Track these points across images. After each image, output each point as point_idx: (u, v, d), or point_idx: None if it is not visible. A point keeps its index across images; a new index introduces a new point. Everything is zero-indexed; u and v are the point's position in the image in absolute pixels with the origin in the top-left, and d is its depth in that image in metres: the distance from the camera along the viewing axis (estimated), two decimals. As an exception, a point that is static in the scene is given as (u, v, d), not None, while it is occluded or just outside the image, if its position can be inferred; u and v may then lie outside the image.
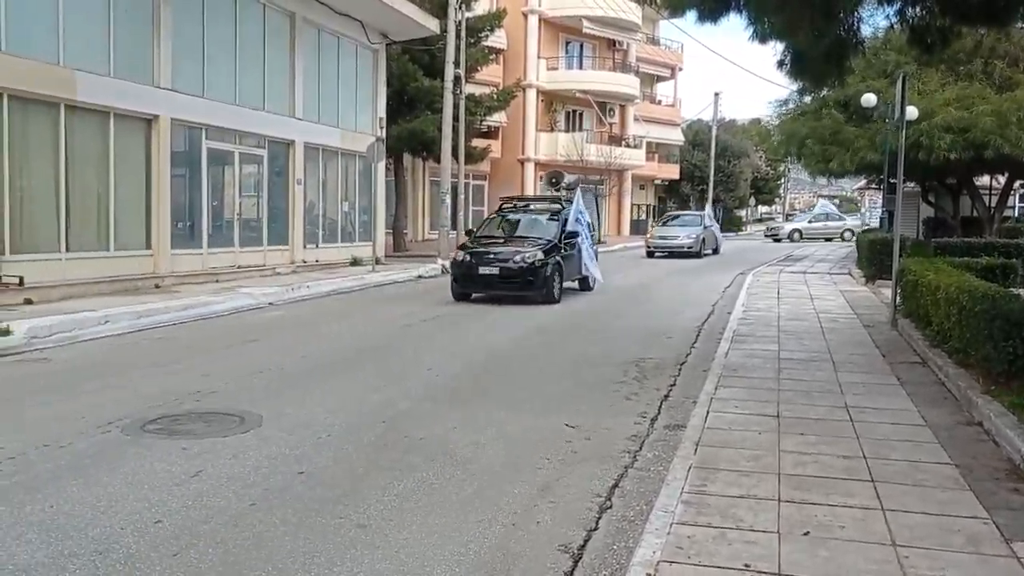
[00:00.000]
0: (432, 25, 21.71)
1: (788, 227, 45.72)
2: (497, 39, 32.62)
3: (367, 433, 5.90)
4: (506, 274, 13.73)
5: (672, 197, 52.78)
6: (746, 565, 3.59)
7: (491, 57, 30.47)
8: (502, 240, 15.08)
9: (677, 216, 32.05)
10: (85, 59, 13.15)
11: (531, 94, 38.97)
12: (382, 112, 21.89)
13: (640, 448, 5.62)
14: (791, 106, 24.11)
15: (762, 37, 8.38)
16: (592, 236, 16.15)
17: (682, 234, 27.40)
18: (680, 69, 52.33)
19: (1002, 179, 24.47)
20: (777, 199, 77.48)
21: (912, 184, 25.28)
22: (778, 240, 42.38)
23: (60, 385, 7.37)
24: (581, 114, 43.09)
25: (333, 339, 10.30)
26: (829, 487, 4.58)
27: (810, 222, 45.45)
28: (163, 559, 3.78)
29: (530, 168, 39.40)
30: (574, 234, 15.06)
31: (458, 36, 23.25)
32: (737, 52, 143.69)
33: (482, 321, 11.82)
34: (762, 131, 48.71)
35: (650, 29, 48.09)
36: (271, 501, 4.53)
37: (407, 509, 4.44)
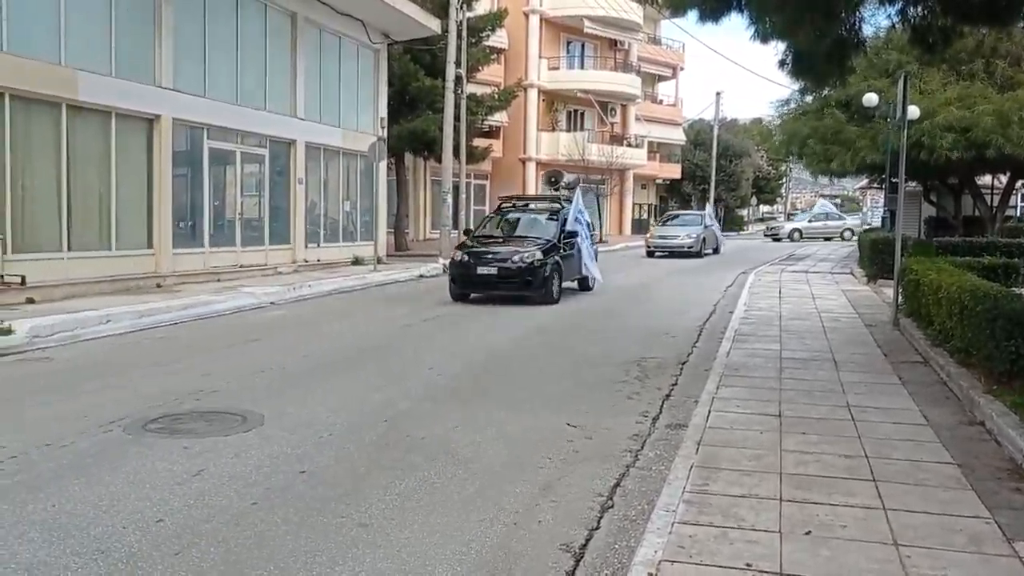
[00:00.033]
0: (433, 25, 21.72)
1: (788, 227, 45.73)
2: (498, 39, 32.59)
3: (369, 432, 5.90)
4: (504, 274, 13.62)
5: (674, 197, 52.76)
6: (748, 564, 3.59)
7: (492, 57, 30.44)
8: (501, 240, 14.97)
9: (677, 216, 31.99)
10: (87, 59, 13.17)
11: (532, 94, 38.98)
12: (383, 112, 21.91)
13: (642, 447, 5.62)
14: (792, 106, 24.08)
15: (763, 37, 8.37)
16: (592, 236, 16.04)
17: (682, 234, 27.32)
18: (681, 69, 52.32)
19: (1004, 178, 24.43)
20: (779, 199, 77.49)
21: (914, 183, 25.24)
22: (778, 239, 42.37)
23: (62, 384, 7.38)
24: (582, 114, 43.09)
25: (334, 338, 10.30)
26: (831, 486, 4.57)
27: (810, 221, 45.46)
28: (165, 558, 3.78)
29: (531, 168, 39.41)
30: (573, 234, 14.94)
31: (459, 36, 23.25)
32: (738, 52, 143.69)
33: (482, 321, 11.82)
34: (763, 131, 48.66)
35: (651, 29, 48.08)
36: (273, 500, 4.54)
37: (409, 508, 4.45)
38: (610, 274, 18.02)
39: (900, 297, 10.92)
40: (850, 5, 8.08)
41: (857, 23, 8.51)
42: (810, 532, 3.94)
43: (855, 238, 38.92)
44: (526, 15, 38.81)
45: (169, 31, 14.74)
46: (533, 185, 38.57)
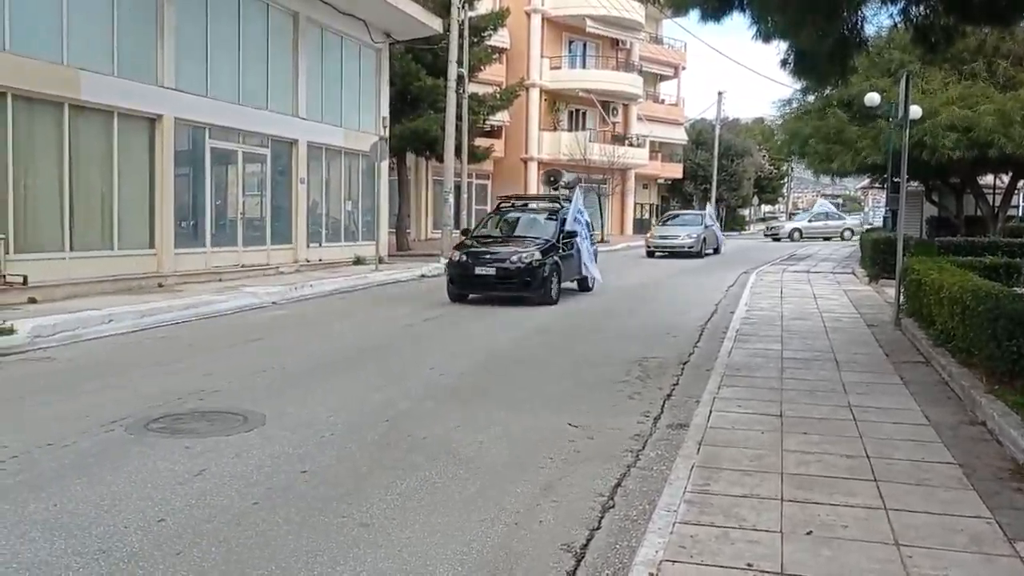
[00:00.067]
0: (435, 24, 21.73)
1: (788, 226, 45.68)
2: (500, 38, 32.59)
3: (370, 432, 5.90)
4: (503, 274, 13.44)
5: (675, 196, 52.72)
6: (749, 564, 3.59)
7: (494, 56, 30.41)
8: (499, 240, 14.82)
9: (677, 215, 31.92)
10: (89, 59, 13.18)
11: (534, 93, 38.97)
12: (385, 111, 21.91)
13: (643, 447, 5.62)
14: (794, 105, 24.06)
15: (765, 36, 8.36)
16: (591, 236, 15.91)
17: (682, 234, 27.23)
18: (683, 68, 52.27)
19: (1006, 178, 24.42)
20: (781, 198, 77.43)
21: (916, 183, 25.23)
22: (778, 239, 42.29)
23: (63, 384, 7.39)
24: (584, 113, 43.08)
25: (336, 338, 10.31)
26: (832, 486, 4.57)
27: (810, 221, 45.42)
28: (166, 558, 3.78)
29: (533, 167, 39.40)
30: (572, 234, 14.80)
31: (461, 35, 23.26)
32: (740, 51, 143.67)
33: (483, 321, 11.82)
34: (765, 130, 48.70)
35: (653, 28, 48.04)
36: (274, 500, 4.54)
37: (410, 508, 4.45)
38: (610, 274, 18.00)
39: (902, 297, 10.91)
40: (852, 5, 8.08)
41: (859, 22, 8.50)
42: (811, 532, 3.94)
43: (855, 238, 38.96)
44: (528, 14, 38.80)
45: (171, 31, 14.75)
46: (535, 185, 38.56)
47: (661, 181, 51.94)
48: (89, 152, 13.38)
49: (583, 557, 3.88)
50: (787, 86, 45.71)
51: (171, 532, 4.07)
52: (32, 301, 11.55)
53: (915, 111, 14.97)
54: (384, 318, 12.19)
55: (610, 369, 8.30)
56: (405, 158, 26.98)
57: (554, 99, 41.01)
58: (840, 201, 77.28)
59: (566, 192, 25.02)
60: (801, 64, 9.07)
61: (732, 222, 54.21)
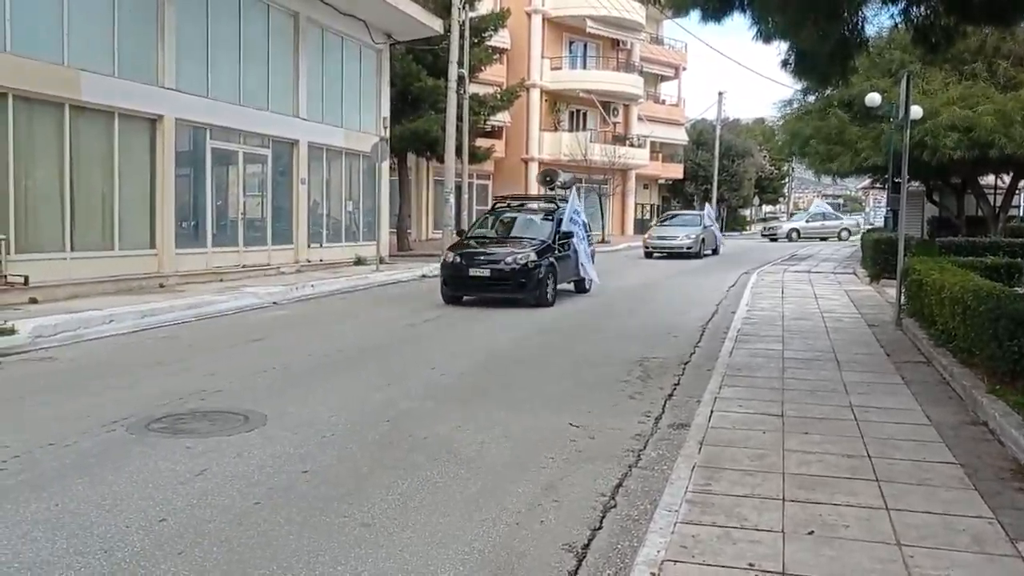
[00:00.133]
0: (436, 25, 21.74)
1: (786, 227, 45.67)
2: (500, 39, 32.59)
3: (371, 432, 5.90)
4: (497, 276, 13.17)
5: (676, 197, 52.72)
6: (751, 564, 3.59)
7: (495, 57, 30.41)
8: (494, 240, 14.60)
9: (676, 216, 31.80)
10: (89, 59, 13.19)
11: (535, 94, 38.98)
12: (386, 112, 21.92)
13: (644, 447, 5.62)
14: (795, 106, 24.07)
15: (766, 37, 8.36)
16: (588, 236, 15.72)
17: (681, 234, 27.11)
18: (684, 69, 52.28)
19: (1007, 178, 24.41)
20: (782, 198, 77.40)
21: (917, 183, 25.23)
22: (775, 240, 42.22)
23: (65, 384, 7.40)
24: (585, 114, 43.09)
25: (337, 338, 10.31)
26: (834, 486, 4.57)
27: (807, 222, 45.44)
28: (168, 557, 3.78)
29: (534, 168, 39.37)
30: (569, 234, 14.56)
31: (461, 36, 23.25)
32: (741, 52, 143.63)
33: (483, 321, 11.82)
34: (766, 130, 48.65)
35: (654, 29, 48.03)
36: (275, 500, 4.54)
37: (411, 508, 4.45)
38: (608, 275, 17.94)
39: (903, 297, 10.91)
40: (853, 5, 8.08)
41: (860, 23, 8.50)
42: (813, 532, 3.94)
43: (852, 238, 38.98)
44: (528, 15, 38.82)
45: (171, 31, 14.76)
46: (535, 185, 38.56)
47: (662, 181, 51.95)
48: (90, 153, 13.39)
49: (585, 557, 3.88)
50: (788, 86, 45.71)
51: (173, 532, 4.07)
52: (33, 301, 11.56)
53: (916, 111, 14.98)
54: (385, 318, 12.19)
55: (611, 369, 8.30)
56: (406, 158, 26.98)
57: (555, 100, 41.02)
58: (841, 201, 77.31)
59: (563, 192, 24.99)
60: (802, 65, 9.07)
61: (733, 222, 54.20)
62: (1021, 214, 30.48)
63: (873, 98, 18.53)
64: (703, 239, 27.52)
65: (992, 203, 24.09)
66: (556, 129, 40.82)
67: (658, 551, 3.72)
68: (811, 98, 22.14)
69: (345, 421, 6.17)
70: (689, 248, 26.57)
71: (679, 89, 53.12)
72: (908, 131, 11.09)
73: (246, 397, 6.88)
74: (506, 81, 34.75)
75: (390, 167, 23.76)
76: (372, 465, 5.17)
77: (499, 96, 28.78)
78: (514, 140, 39.24)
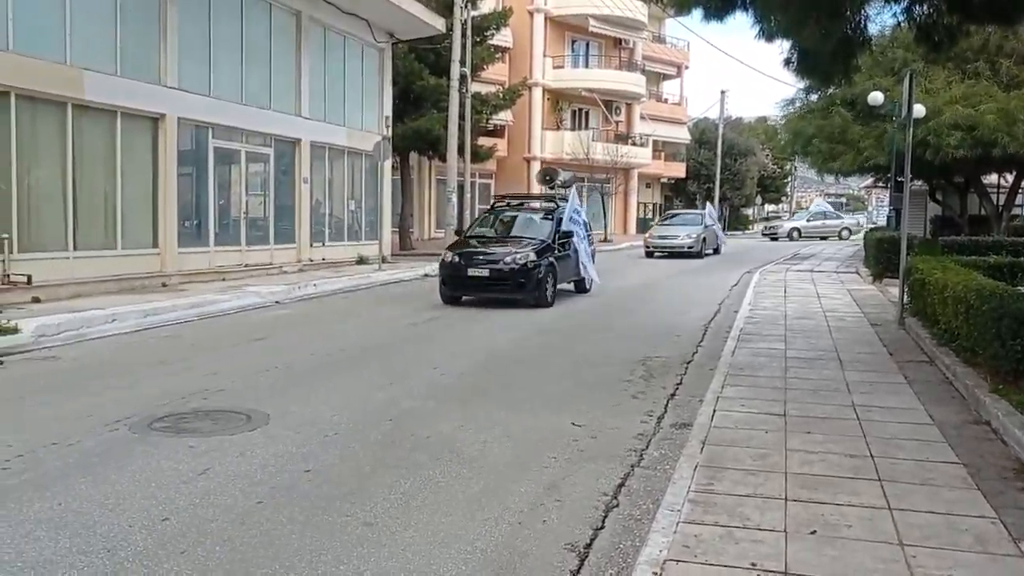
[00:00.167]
0: (438, 24, 21.75)
1: (787, 226, 45.57)
2: (503, 38, 32.59)
3: (373, 431, 5.91)
4: (496, 276, 13.01)
5: (678, 196, 52.70)
6: (753, 564, 3.59)
7: (497, 56, 30.42)
8: (494, 240, 14.47)
9: (677, 215, 31.68)
10: (92, 58, 13.20)
11: (537, 93, 38.98)
12: (388, 111, 21.93)
13: (647, 447, 5.62)
14: (798, 105, 24.03)
15: (768, 35, 8.35)
16: (589, 236, 15.58)
17: (682, 233, 26.99)
18: (686, 67, 52.28)
19: (1010, 177, 24.36)
20: (784, 197, 77.33)
21: (919, 182, 25.19)
22: (776, 239, 42.11)
23: (67, 383, 7.41)
24: (587, 112, 43.08)
25: (339, 337, 10.31)
26: (836, 486, 4.57)
27: (808, 221, 45.38)
28: (171, 556, 3.79)
29: (536, 167, 39.34)
30: (569, 234, 14.42)
31: (464, 35, 23.26)
32: (743, 50, 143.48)
33: (484, 321, 11.82)
34: (769, 129, 48.71)
35: (656, 27, 48.03)
36: (278, 499, 4.55)
37: (414, 507, 4.45)
38: (609, 275, 17.89)
39: (906, 296, 10.90)
40: (855, 4, 8.06)
41: (862, 21, 8.48)
42: (815, 532, 3.94)
43: (853, 237, 38.93)
44: (531, 14, 38.81)
45: (174, 30, 14.77)
46: (537, 184, 38.57)
47: (664, 180, 51.92)
48: (92, 152, 13.41)
49: (587, 557, 3.88)
50: (790, 85, 45.85)
51: (175, 531, 4.08)
52: (36, 300, 11.57)
53: (919, 110, 14.94)
54: (387, 317, 12.19)
55: (612, 369, 8.30)
56: (408, 157, 26.98)
57: (557, 98, 41.01)
58: (844, 200, 77.22)
59: (563, 191, 24.96)
60: (804, 63, 9.06)
61: (736, 221, 54.16)
62: (1024, 213, 30.43)
63: (876, 97, 18.49)
64: (704, 238, 27.43)
65: (995, 202, 24.04)
66: (558, 128, 40.81)
67: (660, 551, 3.72)
68: (814, 97, 22.12)
69: (347, 420, 6.17)
70: (690, 247, 26.46)
71: (681, 88, 53.21)
72: (911, 130, 11.08)
73: (248, 396, 6.88)
74: (508, 80, 34.75)
75: (392, 166, 23.75)
76: (374, 464, 5.18)
77: (501, 95, 28.78)
78: (516, 139, 39.24)
